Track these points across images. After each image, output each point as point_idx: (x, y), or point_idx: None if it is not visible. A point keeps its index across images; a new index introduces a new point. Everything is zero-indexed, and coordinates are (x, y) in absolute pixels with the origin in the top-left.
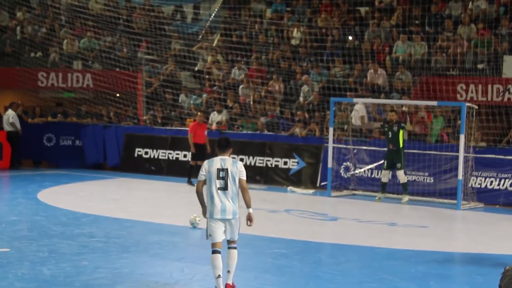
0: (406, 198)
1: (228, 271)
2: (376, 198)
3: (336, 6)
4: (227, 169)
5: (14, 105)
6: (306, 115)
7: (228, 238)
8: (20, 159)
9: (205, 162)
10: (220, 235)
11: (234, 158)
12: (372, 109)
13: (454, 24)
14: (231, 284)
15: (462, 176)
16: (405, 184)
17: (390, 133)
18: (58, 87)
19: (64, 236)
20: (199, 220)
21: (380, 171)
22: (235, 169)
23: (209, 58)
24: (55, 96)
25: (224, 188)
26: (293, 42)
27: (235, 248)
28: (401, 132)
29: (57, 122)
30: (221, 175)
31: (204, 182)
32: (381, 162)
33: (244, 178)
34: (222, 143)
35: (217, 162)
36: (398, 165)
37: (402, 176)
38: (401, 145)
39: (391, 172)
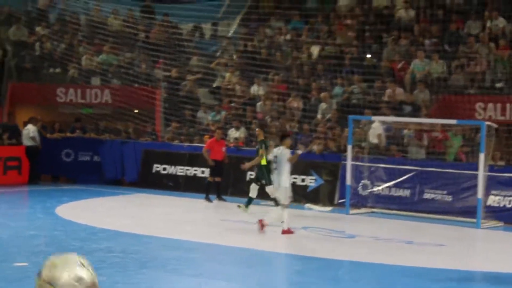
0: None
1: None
2: (240, 206)
3: (357, 23)
4: (276, 156)
5: (33, 120)
6: (325, 132)
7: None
8: (39, 174)
9: (275, 149)
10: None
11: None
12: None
13: (472, 42)
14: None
15: (482, 195)
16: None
17: (256, 151)
18: (76, 102)
19: (82, 251)
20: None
21: (397, 189)
22: (280, 153)
23: (228, 75)
24: (73, 111)
25: (276, 168)
26: (311, 59)
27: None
28: (261, 150)
29: (76, 138)
30: (274, 160)
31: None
32: (399, 180)
33: (287, 156)
34: (280, 137)
35: (275, 150)
36: (263, 181)
37: (270, 190)
38: (262, 163)
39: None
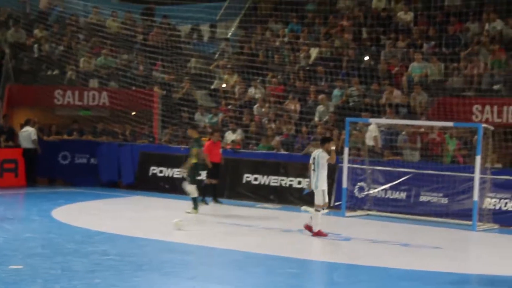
0: (193, 212)
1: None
2: (189, 211)
3: (353, 25)
4: (314, 157)
5: (30, 122)
6: (328, 134)
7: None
8: (36, 176)
9: (314, 152)
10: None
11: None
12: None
13: (470, 45)
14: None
15: (478, 197)
16: (194, 199)
17: (189, 150)
18: (74, 105)
19: (78, 254)
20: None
21: (393, 192)
22: (318, 156)
23: (225, 77)
24: (71, 114)
25: (314, 169)
26: (309, 61)
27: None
28: (193, 149)
29: (73, 140)
30: (312, 162)
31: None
32: (395, 182)
33: (326, 158)
34: (320, 140)
35: (314, 152)
36: (188, 179)
37: (189, 189)
38: (192, 161)
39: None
